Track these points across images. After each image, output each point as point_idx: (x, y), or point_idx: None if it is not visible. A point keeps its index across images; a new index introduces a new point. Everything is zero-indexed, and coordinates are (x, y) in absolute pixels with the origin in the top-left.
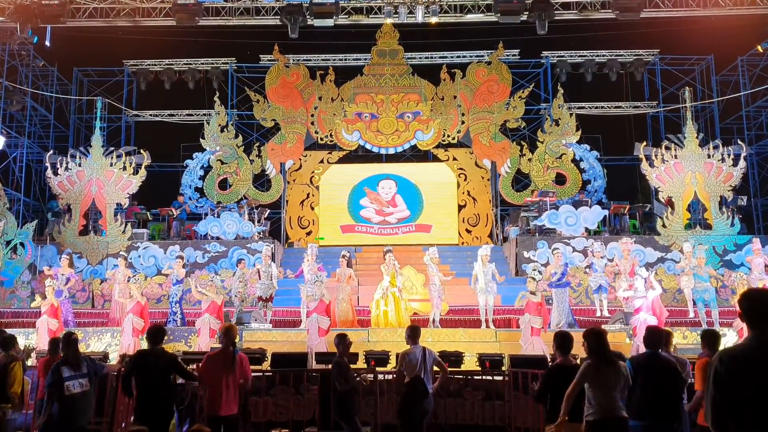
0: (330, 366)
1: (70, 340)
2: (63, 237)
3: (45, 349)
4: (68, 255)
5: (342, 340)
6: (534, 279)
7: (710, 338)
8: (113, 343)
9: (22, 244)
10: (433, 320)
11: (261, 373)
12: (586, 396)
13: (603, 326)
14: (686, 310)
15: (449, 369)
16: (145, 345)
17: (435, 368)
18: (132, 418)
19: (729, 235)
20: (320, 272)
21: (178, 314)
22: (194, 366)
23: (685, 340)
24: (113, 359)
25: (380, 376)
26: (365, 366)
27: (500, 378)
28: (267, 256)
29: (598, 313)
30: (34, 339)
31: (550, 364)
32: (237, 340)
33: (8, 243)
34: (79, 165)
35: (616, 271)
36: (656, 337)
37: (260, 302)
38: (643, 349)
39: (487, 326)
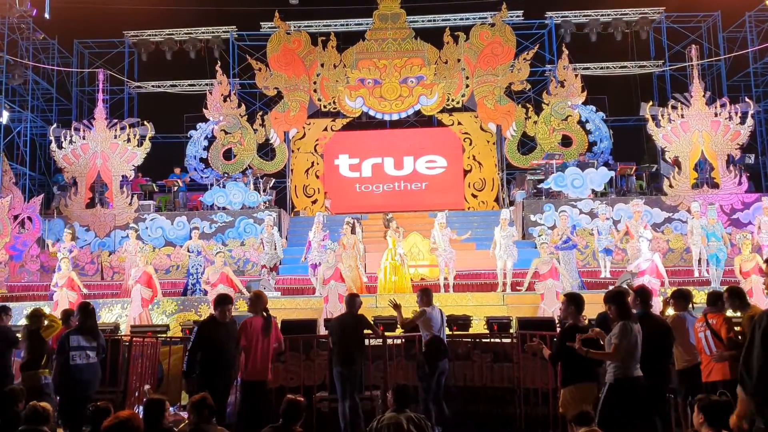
0: None
1: (87, 310)
2: (70, 210)
3: None
4: (70, 229)
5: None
6: (546, 243)
7: (713, 299)
8: (123, 314)
9: (29, 218)
10: (446, 285)
11: None
12: None
13: (610, 287)
14: (693, 270)
15: (458, 332)
16: (152, 314)
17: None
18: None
19: (736, 193)
20: (325, 240)
21: (197, 285)
22: None
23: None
24: (123, 330)
25: (389, 341)
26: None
27: (508, 340)
28: (270, 225)
29: (603, 275)
30: (48, 311)
31: (558, 326)
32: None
33: (16, 217)
34: (83, 138)
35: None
36: (648, 296)
37: (264, 270)
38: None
39: (504, 289)
